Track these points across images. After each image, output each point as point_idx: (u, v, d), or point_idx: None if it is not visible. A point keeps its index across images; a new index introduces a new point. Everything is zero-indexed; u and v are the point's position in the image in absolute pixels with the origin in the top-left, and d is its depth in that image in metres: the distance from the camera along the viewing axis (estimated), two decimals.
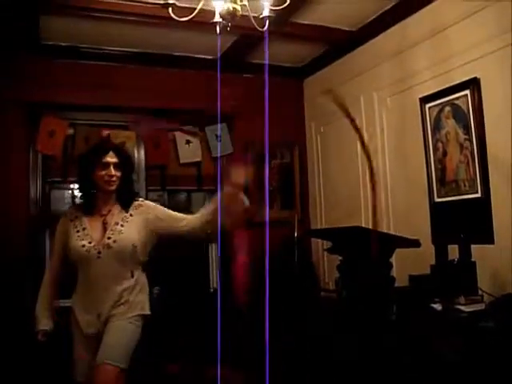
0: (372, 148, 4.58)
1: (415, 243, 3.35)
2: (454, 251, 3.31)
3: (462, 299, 3.11)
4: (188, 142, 5.10)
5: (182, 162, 5.08)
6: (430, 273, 3.39)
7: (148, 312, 3.00)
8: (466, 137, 3.61)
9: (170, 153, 5.07)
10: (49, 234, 4.64)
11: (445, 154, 3.82)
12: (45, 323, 2.93)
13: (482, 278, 3.23)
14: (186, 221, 3.02)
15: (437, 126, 3.87)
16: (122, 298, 2.87)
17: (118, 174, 2.93)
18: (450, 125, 3.76)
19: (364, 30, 4.52)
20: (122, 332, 2.85)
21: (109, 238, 2.87)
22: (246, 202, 2.93)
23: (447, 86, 3.73)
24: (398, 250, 3.50)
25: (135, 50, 4.86)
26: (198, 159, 5.14)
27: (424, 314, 3.23)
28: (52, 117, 4.59)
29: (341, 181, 5.05)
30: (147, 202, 3.12)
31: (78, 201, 4.09)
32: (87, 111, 4.77)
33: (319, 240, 5.20)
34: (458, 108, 3.66)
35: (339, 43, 4.81)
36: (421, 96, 3.98)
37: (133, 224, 2.94)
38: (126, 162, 3.01)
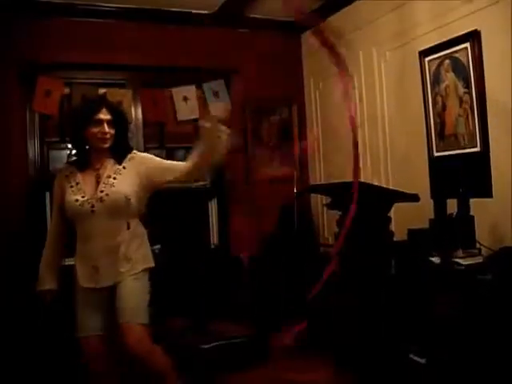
0: (372, 103, 4.57)
1: (414, 197, 3.37)
2: (452, 205, 3.32)
3: (460, 252, 3.15)
4: (185, 98, 5.06)
5: (179, 119, 5.05)
6: (428, 227, 3.42)
7: (152, 264, 3.01)
8: (466, 90, 3.58)
9: (167, 110, 5.04)
10: (49, 194, 4.65)
11: (444, 107, 3.80)
12: (49, 283, 2.94)
13: (480, 232, 3.27)
14: (178, 171, 2.97)
15: (436, 80, 3.83)
16: (120, 251, 2.85)
17: (112, 131, 2.88)
18: (449, 78, 3.72)
19: None
20: (134, 291, 2.87)
21: (101, 192, 2.84)
22: (226, 130, 2.82)
23: (447, 39, 3.69)
24: (396, 205, 3.51)
25: (131, 7, 4.77)
26: (196, 116, 5.10)
27: (422, 268, 3.27)
28: (47, 76, 4.53)
29: (338, 136, 5.02)
30: (140, 153, 3.08)
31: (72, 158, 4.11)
32: (83, 70, 4.71)
33: (318, 196, 5.21)
34: (458, 61, 3.62)
35: None
36: (420, 49, 3.94)
37: (126, 176, 2.91)
38: (119, 119, 2.95)
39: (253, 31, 5.27)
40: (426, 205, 3.47)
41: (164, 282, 4.10)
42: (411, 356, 3.16)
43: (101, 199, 2.83)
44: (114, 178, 2.88)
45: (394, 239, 3.54)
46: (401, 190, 3.52)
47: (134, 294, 2.87)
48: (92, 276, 2.85)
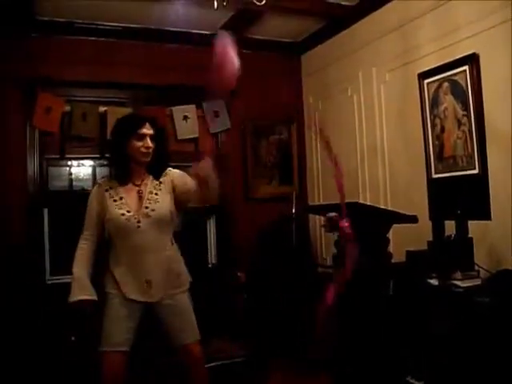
0: (370, 124, 4.59)
1: (412, 219, 3.37)
2: (451, 227, 3.32)
3: (458, 274, 3.14)
4: (185, 117, 5.08)
5: (179, 137, 5.06)
6: (427, 248, 3.42)
7: (191, 278, 3.06)
8: (464, 113, 3.60)
9: (167, 129, 5.04)
10: (47, 211, 4.65)
11: (443, 129, 3.81)
12: (92, 292, 2.84)
13: (478, 254, 3.26)
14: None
15: (435, 102, 3.86)
16: (169, 265, 2.90)
17: (153, 145, 2.90)
18: (448, 101, 3.74)
19: (363, 5, 4.48)
20: (190, 308, 2.96)
21: (146, 208, 2.85)
22: (215, 181, 2.80)
23: (446, 61, 3.72)
24: (395, 226, 3.52)
25: (132, 26, 4.81)
26: (196, 135, 5.12)
27: (421, 290, 3.26)
28: (48, 93, 4.55)
29: (338, 156, 5.03)
30: (173, 170, 3.08)
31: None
32: (84, 87, 4.73)
33: (317, 216, 5.21)
34: (457, 84, 3.65)
35: (338, 18, 4.76)
36: (419, 71, 3.97)
37: (164, 192, 2.94)
38: (160, 135, 2.98)
39: (253, 51, 5.30)
40: (425, 226, 3.47)
41: None
42: (409, 379, 3.14)
43: (147, 215, 2.84)
44: (156, 194, 2.91)
45: (393, 261, 3.53)
46: (399, 211, 3.52)
47: (190, 311, 2.96)
48: (144, 290, 2.84)
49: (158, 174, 2.98)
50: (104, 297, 2.88)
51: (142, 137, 2.86)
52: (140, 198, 2.90)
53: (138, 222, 2.83)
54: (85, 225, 2.97)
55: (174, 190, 2.97)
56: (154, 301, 2.86)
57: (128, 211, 2.84)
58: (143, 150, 2.86)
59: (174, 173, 3.04)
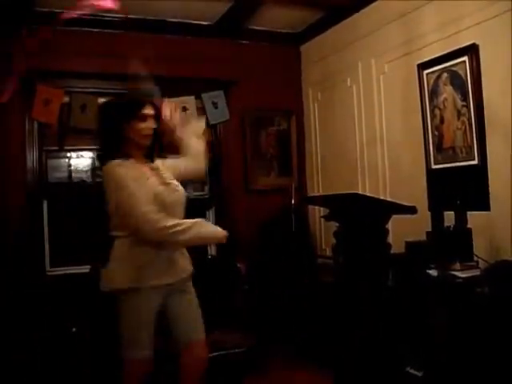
0: (370, 115, 4.58)
1: (411, 210, 3.37)
2: (450, 218, 3.33)
3: (457, 265, 3.15)
4: (185, 109, 5.07)
5: None
6: (426, 239, 3.42)
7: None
8: (464, 103, 3.60)
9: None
10: (47, 202, 4.65)
11: (442, 120, 3.81)
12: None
13: (477, 245, 3.27)
14: (183, 164, 2.91)
15: (434, 93, 3.85)
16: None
17: (155, 127, 2.74)
18: (447, 91, 3.74)
19: None
20: (196, 302, 2.82)
21: (169, 184, 2.72)
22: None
23: (445, 52, 3.71)
24: (394, 217, 3.52)
25: (131, 17, 4.78)
26: None
27: (420, 281, 3.27)
28: (47, 85, 4.54)
29: (338, 147, 5.04)
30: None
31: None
32: (83, 79, 4.72)
33: (316, 207, 5.22)
34: (456, 74, 3.64)
35: (337, 8, 4.75)
36: (419, 62, 3.96)
37: (165, 170, 2.82)
38: (159, 116, 2.82)
39: (252, 42, 5.30)
40: (424, 217, 3.48)
41: None
42: (408, 369, 3.16)
43: (175, 189, 2.74)
44: (164, 173, 2.78)
45: (392, 252, 3.53)
46: (398, 202, 3.52)
47: (197, 303, 2.81)
48: (168, 270, 2.65)
49: (151, 156, 2.80)
50: (118, 296, 2.64)
51: (145, 118, 2.69)
52: (157, 175, 2.74)
53: (172, 195, 2.72)
54: (143, 204, 2.54)
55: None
56: (182, 277, 2.71)
57: (163, 185, 2.71)
58: (146, 131, 2.69)
59: (165, 162, 2.91)
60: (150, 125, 2.70)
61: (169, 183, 2.72)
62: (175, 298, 2.74)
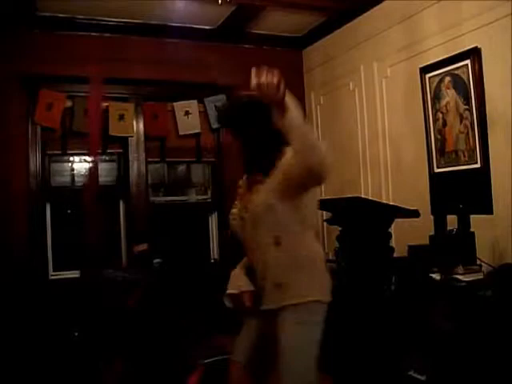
0: (372, 118, 4.58)
1: (414, 213, 3.37)
2: (453, 221, 3.32)
3: (460, 269, 3.14)
4: (187, 113, 5.08)
5: (181, 133, 5.06)
6: (429, 243, 3.42)
7: (321, 297, 2.33)
8: (466, 107, 3.60)
9: (169, 124, 5.05)
10: (50, 206, 4.66)
11: (445, 124, 3.81)
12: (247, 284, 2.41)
13: (480, 248, 3.26)
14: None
15: (437, 97, 3.85)
16: (269, 272, 2.32)
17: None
18: (450, 95, 3.74)
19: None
20: (295, 341, 2.25)
21: (249, 201, 2.42)
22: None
23: (448, 55, 3.71)
24: (397, 220, 3.52)
25: (133, 21, 4.80)
26: (197, 131, 5.12)
27: (423, 284, 3.26)
28: (49, 90, 4.55)
29: (340, 151, 5.04)
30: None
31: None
32: (85, 83, 4.72)
33: (319, 210, 5.21)
34: (459, 78, 3.64)
35: (339, 12, 4.75)
36: (421, 66, 3.96)
37: (271, 181, 2.34)
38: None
39: (254, 47, 5.31)
40: (427, 221, 3.48)
41: (164, 295, 4.10)
42: (411, 373, 3.15)
43: (246, 209, 2.41)
44: (262, 183, 2.39)
45: (394, 255, 3.54)
46: (401, 205, 3.52)
47: (294, 349, 2.24)
48: (257, 295, 2.36)
49: (261, 169, 2.41)
50: None
51: None
52: (250, 191, 2.45)
53: (242, 219, 2.43)
54: None
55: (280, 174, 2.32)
56: (264, 309, 2.34)
57: (236, 209, 2.52)
58: None
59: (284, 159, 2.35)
60: None
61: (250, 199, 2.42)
62: (266, 325, 2.45)
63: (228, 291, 2.39)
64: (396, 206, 3.70)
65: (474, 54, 3.50)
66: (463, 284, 3.06)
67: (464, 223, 3.28)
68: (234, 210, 2.51)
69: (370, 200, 4.08)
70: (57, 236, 4.67)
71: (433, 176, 3.93)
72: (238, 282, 2.39)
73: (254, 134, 2.41)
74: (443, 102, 3.80)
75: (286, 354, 2.23)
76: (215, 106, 5.15)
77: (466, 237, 3.25)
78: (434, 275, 3.23)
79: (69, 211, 4.92)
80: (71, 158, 4.87)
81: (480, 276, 3.14)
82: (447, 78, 3.75)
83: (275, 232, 2.32)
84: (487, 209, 3.42)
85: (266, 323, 2.36)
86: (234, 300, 2.38)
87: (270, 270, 2.31)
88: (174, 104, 5.05)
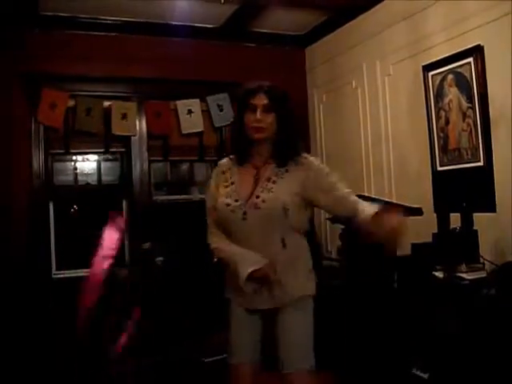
0: (375, 117, 4.58)
1: (417, 211, 3.37)
2: (456, 220, 3.32)
3: (463, 267, 3.14)
4: (190, 111, 5.08)
5: (183, 132, 5.07)
6: (432, 241, 3.42)
7: (313, 292, 2.49)
8: (469, 105, 3.59)
9: (171, 123, 5.05)
10: (53, 205, 4.67)
11: (447, 122, 3.80)
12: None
13: (483, 247, 3.26)
14: (350, 210, 2.43)
15: (439, 95, 3.84)
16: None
17: (269, 119, 2.39)
18: (452, 93, 3.73)
19: None
20: (296, 326, 2.40)
21: (257, 197, 2.36)
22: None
23: (450, 53, 3.70)
24: None
25: (136, 20, 4.80)
26: (200, 129, 5.12)
27: (426, 282, 3.26)
28: (52, 89, 4.56)
29: (343, 149, 5.04)
30: (313, 161, 2.52)
31: None
32: (88, 82, 4.74)
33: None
34: (462, 76, 3.63)
35: (342, 10, 4.74)
36: (424, 64, 3.95)
37: (287, 182, 2.39)
38: (280, 105, 2.42)
39: (257, 45, 5.31)
40: (430, 219, 3.47)
41: (167, 294, 4.10)
42: (414, 371, 3.15)
43: (255, 205, 2.36)
44: (274, 182, 2.39)
45: (397, 253, 3.53)
46: (404, 203, 3.52)
47: (296, 330, 2.40)
48: (246, 295, 2.40)
49: (281, 155, 2.44)
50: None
51: (254, 108, 2.38)
52: (256, 184, 2.42)
53: (244, 213, 2.37)
54: (207, 218, 2.53)
55: (310, 188, 2.41)
56: (257, 309, 2.44)
57: (236, 200, 2.39)
58: (254, 124, 2.38)
59: (312, 166, 2.47)
60: (255, 116, 2.38)
61: (257, 196, 2.39)
62: (276, 319, 2.50)
63: (249, 269, 2.29)
64: (399, 204, 3.69)
65: (477, 51, 3.49)
66: (466, 282, 3.06)
67: (467, 221, 3.28)
68: (229, 200, 2.41)
69: (373, 198, 4.07)
70: (60, 234, 4.67)
71: (436, 174, 3.92)
72: (252, 258, 2.34)
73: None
74: (446, 100, 3.79)
75: (291, 331, 2.39)
76: (218, 105, 5.16)
77: (469, 235, 3.25)
78: (437, 273, 3.22)
79: (72, 210, 4.93)
80: (74, 157, 4.88)
81: (483, 274, 3.14)
82: (450, 76, 3.74)
83: (283, 235, 2.39)
84: (490, 207, 3.41)
85: (267, 321, 2.46)
86: (258, 275, 2.31)
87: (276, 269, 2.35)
88: (177, 102, 5.06)
